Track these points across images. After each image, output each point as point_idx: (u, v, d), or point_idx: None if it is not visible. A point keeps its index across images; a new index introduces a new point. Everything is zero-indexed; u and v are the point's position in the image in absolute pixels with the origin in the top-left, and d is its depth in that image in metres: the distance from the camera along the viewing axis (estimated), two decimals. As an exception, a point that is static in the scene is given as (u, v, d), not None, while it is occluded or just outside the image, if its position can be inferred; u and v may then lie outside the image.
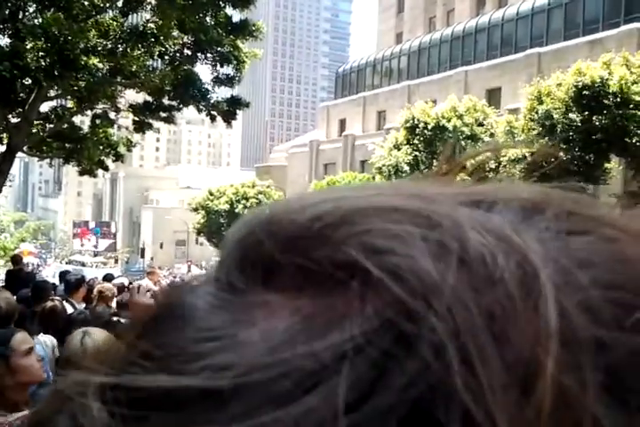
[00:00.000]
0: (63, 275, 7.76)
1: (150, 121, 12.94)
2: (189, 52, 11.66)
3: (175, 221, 49.15)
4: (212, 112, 12.25)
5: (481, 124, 20.57)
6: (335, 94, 38.29)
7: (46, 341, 3.84)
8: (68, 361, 2.43)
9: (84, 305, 5.69)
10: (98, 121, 12.86)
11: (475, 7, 32.15)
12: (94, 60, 9.64)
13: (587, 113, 14.99)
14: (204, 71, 12.39)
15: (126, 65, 10.74)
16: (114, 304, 5.52)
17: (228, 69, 12.05)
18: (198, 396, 0.18)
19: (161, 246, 54.17)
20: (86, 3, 10.32)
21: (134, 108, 12.50)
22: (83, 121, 14.43)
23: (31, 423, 0.22)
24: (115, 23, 10.70)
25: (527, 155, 11.47)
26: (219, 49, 11.49)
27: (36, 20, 10.24)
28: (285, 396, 0.17)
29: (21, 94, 10.51)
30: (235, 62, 11.64)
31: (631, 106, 14.65)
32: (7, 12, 10.25)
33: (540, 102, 15.89)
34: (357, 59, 37.74)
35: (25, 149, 12.12)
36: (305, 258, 0.20)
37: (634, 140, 14.68)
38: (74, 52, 9.33)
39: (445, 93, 24.33)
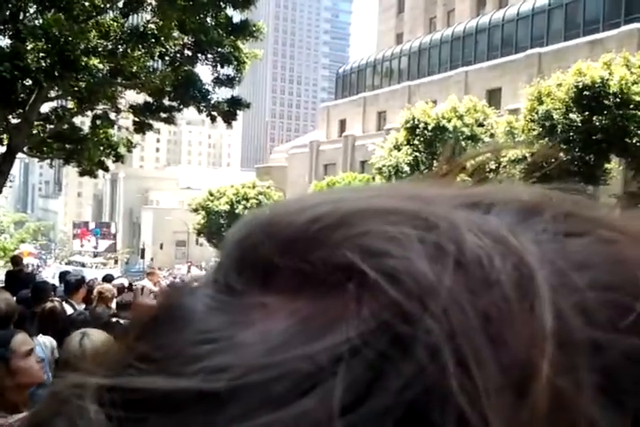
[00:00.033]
0: (63, 276, 7.76)
1: (150, 122, 12.95)
2: (190, 53, 11.66)
3: (175, 221, 49.15)
4: (213, 113, 12.25)
5: (481, 125, 20.57)
6: (335, 95, 38.29)
7: (45, 342, 3.83)
8: (67, 363, 2.42)
9: (83, 306, 5.69)
10: (98, 122, 12.86)
11: (475, 7, 32.16)
12: (95, 61, 9.65)
13: (587, 113, 14.98)
14: (204, 72, 12.40)
15: (127, 66, 10.74)
16: (113, 305, 5.51)
17: (228, 70, 12.06)
18: (195, 398, 0.18)
19: (161, 247, 54.14)
20: (87, 3, 10.32)
21: (134, 109, 12.50)
22: (83, 122, 14.43)
23: (29, 425, 0.23)
24: (115, 24, 10.70)
25: (527, 155, 11.47)
26: (219, 50, 11.49)
27: (36, 21, 10.25)
28: (282, 398, 0.17)
29: (22, 95, 10.51)
30: (235, 63, 11.64)
31: (631, 106, 14.64)
32: (8, 13, 10.25)
33: (541, 103, 15.89)
34: (358, 59, 37.74)
35: (25, 149, 12.12)
36: (302, 260, 0.20)
37: (634, 141, 14.67)
38: (74, 52, 9.33)
39: (446, 94, 24.33)
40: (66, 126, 12.47)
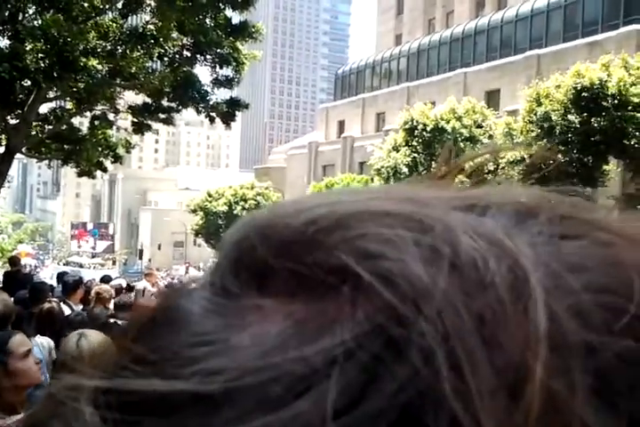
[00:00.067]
0: (61, 276, 7.76)
1: (149, 122, 12.93)
2: (189, 54, 11.66)
3: (173, 222, 49.12)
4: (211, 114, 12.24)
5: (480, 126, 20.58)
6: (334, 96, 38.29)
7: (43, 342, 3.83)
8: (64, 364, 2.42)
9: (81, 307, 5.69)
10: (97, 122, 12.86)
11: (474, 9, 32.19)
12: (93, 62, 9.64)
13: (585, 115, 15.00)
14: (203, 73, 12.41)
15: (125, 66, 10.74)
16: (111, 306, 5.51)
17: (227, 71, 12.06)
18: (190, 400, 0.18)
19: (159, 248, 54.10)
20: (86, 4, 10.32)
21: (133, 110, 12.49)
22: (82, 122, 14.42)
23: None
24: (114, 25, 10.70)
25: (526, 157, 11.46)
26: (218, 50, 11.50)
27: (35, 22, 10.25)
28: (277, 400, 0.17)
29: (20, 96, 10.51)
30: (234, 64, 11.64)
31: (630, 108, 14.66)
32: (7, 14, 10.25)
33: (539, 104, 15.90)
34: (357, 60, 37.76)
35: (24, 150, 12.10)
36: (298, 263, 0.20)
37: (632, 142, 14.68)
38: (73, 53, 9.33)
39: (444, 95, 24.34)
40: (64, 127, 12.45)
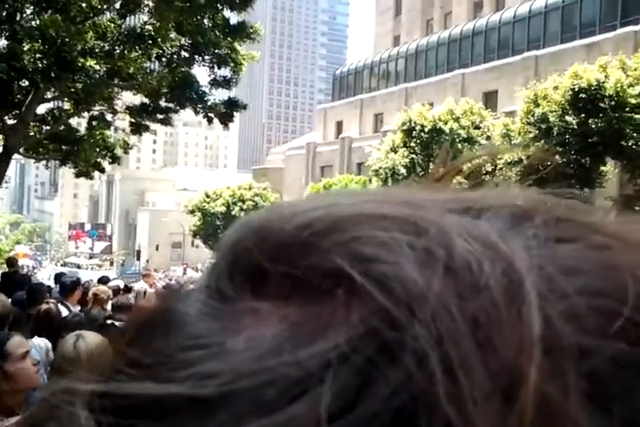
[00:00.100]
0: (58, 277, 7.74)
1: (147, 123, 12.93)
2: (187, 55, 11.66)
3: (171, 223, 49.03)
4: (209, 114, 12.24)
5: (477, 127, 20.61)
6: (332, 97, 38.28)
7: (40, 344, 3.81)
8: (61, 365, 2.41)
9: (79, 308, 5.67)
10: (94, 123, 12.84)
11: (472, 10, 32.23)
12: (91, 62, 9.64)
13: (583, 116, 15.02)
14: (201, 73, 12.42)
15: (123, 67, 10.73)
16: (109, 307, 5.50)
17: (225, 71, 12.07)
18: (185, 404, 0.18)
19: (157, 249, 54.02)
20: (84, 5, 10.31)
21: (131, 110, 12.49)
22: (79, 123, 14.41)
23: None
24: (112, 25, 10.70)
25: (523, 158, 11.48)
26: (216, 51, 11.50)
27: (33, 22, 10.24)
28: (271, 404, 0.17)
29: (18, 96, 10.50)
30: (232, 64, 11.65)
31: (627, 109, 14.68)
32: (4, 14, 10.24)
33: (537, 105, 15.92)
34: (355, 61, 37.75)
35: (21, 150, 12.08)
36: (293, 266, 0.20)
37: (630, 143, 14.70)
38: (71, 53, 9.32)
39: (442, 96, 24.36)
40: (62, 127, 12.44)
